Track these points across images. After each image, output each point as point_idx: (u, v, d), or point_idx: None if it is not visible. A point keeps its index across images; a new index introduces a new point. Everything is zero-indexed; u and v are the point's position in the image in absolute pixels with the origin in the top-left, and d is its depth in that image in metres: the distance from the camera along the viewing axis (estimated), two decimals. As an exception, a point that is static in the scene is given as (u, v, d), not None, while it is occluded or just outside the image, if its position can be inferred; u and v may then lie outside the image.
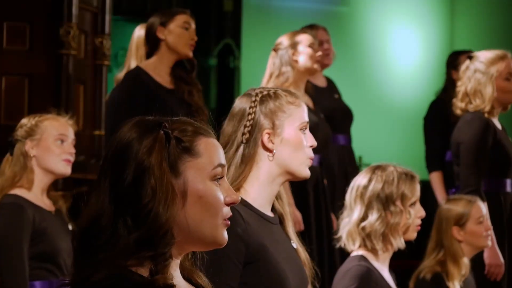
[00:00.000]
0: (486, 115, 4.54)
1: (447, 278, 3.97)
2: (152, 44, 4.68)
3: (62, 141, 3.74)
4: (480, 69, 4.53)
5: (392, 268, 3.46)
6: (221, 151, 1.77)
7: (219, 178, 1.75)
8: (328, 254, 4.94)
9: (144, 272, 1.66)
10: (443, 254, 4.03)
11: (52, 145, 3.71)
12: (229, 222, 1.76)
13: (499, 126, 4.63)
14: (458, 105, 4.62)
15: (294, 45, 4.97)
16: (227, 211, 1.75)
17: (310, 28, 5.31)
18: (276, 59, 4.98)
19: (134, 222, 1.65)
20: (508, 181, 4.59)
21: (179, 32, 4.63)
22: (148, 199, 1.65)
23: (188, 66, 4.73)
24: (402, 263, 5.41)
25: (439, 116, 6.12)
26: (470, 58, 4.63)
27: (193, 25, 4.70)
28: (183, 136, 1.72)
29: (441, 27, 9.27)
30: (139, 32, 5.10)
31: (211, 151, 1.74)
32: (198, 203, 1.71)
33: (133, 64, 5.01)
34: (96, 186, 1.71)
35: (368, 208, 3.27)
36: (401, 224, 3.26)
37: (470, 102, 4.56)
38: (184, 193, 1.70)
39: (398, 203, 3.26)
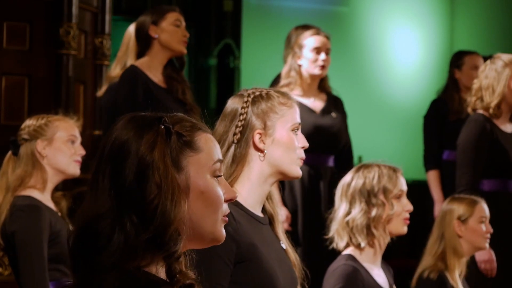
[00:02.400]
0: (491, 110, 4.58)
1: (448, 271, 3.98)
2: (144, 43, 4.68)
3: (73, 142, 3.74)
4: (497, 67, 4.62)
5: (392, 267, 3.47)
6: (218, 147, 1.76)
7: (218, 174, 1.74)
8: (329, 255, 4.93)
9: (161, 271, 1.65)
10: (443, 248, 4.04)
11: (63, 145, 3.71)
12: (227, 219, 1.75)
13: (507, 129, 4.67)
14: (470, 102, 4.69)
15: (300, 48, 5.01)
16: (226, 207, 1.74)
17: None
18: (289, 59, 5.05)
19: (141, 221, 1.61)
20: (510, 182, 4.62)
21: (172, 29, 4.63)
22: (153, 195, 1.61)
23: (178, 64, 4.73)
24: (401, 263, 5.42)
25: (438, 115, 6.11)
26: (488, 58, 4.72)
27: (183, 22, 4.70)
28: (183, 130, 1.69)
29: (441, 27, 9.27)
30: None
31: (210, 146, 1.73)
32: (200, 199, 1.69)
33: (130, 62, 4.99)
34: (92, 185, 1.66)
35: (351, 203, 3.33)
36: (383, 216, 3.30)
37: (481, 99, 4.63)
38: (186, 189, 1.67)
39: (381, 196, 3.31)
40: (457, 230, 4.08)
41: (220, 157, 1.75)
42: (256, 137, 2.60)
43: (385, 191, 3.31)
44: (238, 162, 2.59)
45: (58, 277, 3.61)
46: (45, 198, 3.67)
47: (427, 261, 4.07)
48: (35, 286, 3.50)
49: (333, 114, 5.12)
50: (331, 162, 5.10)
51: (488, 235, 4.13)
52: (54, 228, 3.59)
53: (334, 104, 5.17)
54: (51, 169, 3.69)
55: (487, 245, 4.15)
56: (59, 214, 3.72)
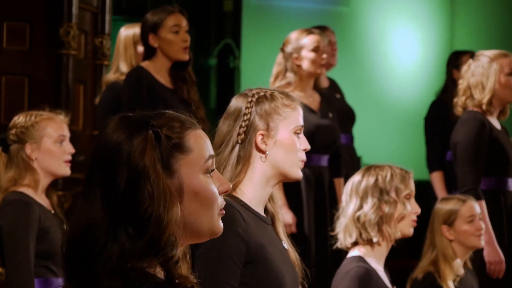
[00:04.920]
0: (484, 106, 4.55)
1: (440, 277, 3.98)
2: (146, 47, 4.67)
3: (62, 141, 3.73)
4: (483, 63, 4.58)
5: (392, 268, 3.47)
6: (208, 142, 1.75)
7: (211, 170, 1.73)
8: (332, 255, 4.93)
9: (159, 275, 1.65)
10: (435, 254, 4.05)
11: (52, 147, 3.70)
12: (224, 212, 1.76)
13: (497, 126, 4.64)
14: (459, 101, 4.64)
15: (298, 50, 4.96)
16: (221, 201, 1.75)
17: (320, 30, 5.31)
18: (282, 60, 5.00)
19: (136, 229, 1.61)
20: (509, 180, 4.60)
21: (170, 38, 4.58)
22: (146, 204, 1.61)
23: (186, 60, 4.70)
24: (401, 263, 5.42)
25: (439, 116, 6.11)
26: (472, 56, 4.68)
27: (183, 23, 4.63)
28: (172, 133, 1.69)
29: (441, 27, 9.27)
30: (126, 32, 5.10)
31: (201, 144, 1.72)
32: (194, 199, 1.69)
33: (122, 65, 5.00)
34: (85, 191, 1.66)
35: (362, 199, 3.32)
36: (395, 214, 3.30)
37: (471, 97, 4.59)
38: (180, 191, 1.67)
39: (392, 194, 3.31)
40: (446, 235, 4.07)
41: (212, 152, 1.74)
42: (259, 138, 2.60)
43: (397, 190, 3.31)
44: (243, 163, 2.59)
45: (44, 274, 3.62)
46: (38, 196, 3.68)
47: (420, 266, 4.09)
48: (20, 281, 3.52)
49: (330, 114, 5.11)
50: (326, 162, 5.09)
51: (481, 232, 4.12)
52: (43, 225, 3.60)
53: (327, 103, 5.16)
54: (42, 171, 3.70)
55: (481, 243, 4.14)
56: (52, 211, 3.73)
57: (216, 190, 1.73)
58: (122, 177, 1.63)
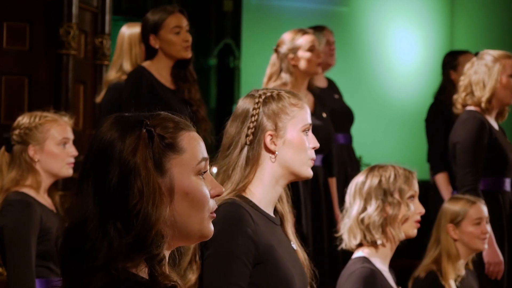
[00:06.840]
0: (483, 104, 4.55)
1: (442, 276, 3.98)
2: (148, 48, 4.66)
3: (65, 143, 3.73)
4: (487, 62, 4.59)
5: (392, 267, 3.47)
6: (202, 145, 1.77)
7: (203, 172, 1.74)
8: (329, 254, 4.93)
9: (143, 273, 1.66)
10: (439, 251, 4.05)
11: (55, 149, 3.71)
12: (215, 215, 1.76)
13: (495, 126, 4.64)
14: (459, 98, 4.64)
15: (293, 50, 4.94)
16: (213, 204, 1.76)
17: (318, 30, 5.29)
18: (276, 61, 4.97)
19: (124, 225, 1.63)
20: (506, 180, 4.59)
21: (171, 38, 4.57)
22: (135, 200, 1.63)
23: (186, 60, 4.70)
24: (402, 263, 5.42)
25: (440, 117, 6.10)
26: (476, 54, 4.69)
27: (184, 23, 4.61)
28: (165, 133, 1.71)
29: (441, 27, 9.27)
30: (131, 31, 5.07)
31: (194, 145, 1.73)
32: (185, 200, 1.70)
33: (125, 64, 4.97)
34: (79, 189, 1.68)
35: (366, 201, 3.32)
36: (399, 216, 3.30)
37: (472, 93, 4.59)
38: (170, 191, 1.69)
39: (396, 195, 3.30)
40: (451, 234, 4.08)
41: (205, 155, 1.75)
42: (267, 139, 2.60)
43: (401, 191, 3.31)
44: (252, 164, 2.59)
45: (46, 274, 3.62)
46: (40, 196, 3.69)
47: (422, 264, 4.09)
48: (21, 281, 3.52)
49: (324, 114, 5.11)
50: (320, 162, 5.09)
51: (486, 236, 4.12)
52: (44, 225, 3.61)
53: (321, 103, 5.16)
54: (44, 172, 3.70)
55: (485, 246, 4.14)
56: (55, 211, 3.73)
57: (207, 192, 1.74)
58: (114, 174, 1.64)
